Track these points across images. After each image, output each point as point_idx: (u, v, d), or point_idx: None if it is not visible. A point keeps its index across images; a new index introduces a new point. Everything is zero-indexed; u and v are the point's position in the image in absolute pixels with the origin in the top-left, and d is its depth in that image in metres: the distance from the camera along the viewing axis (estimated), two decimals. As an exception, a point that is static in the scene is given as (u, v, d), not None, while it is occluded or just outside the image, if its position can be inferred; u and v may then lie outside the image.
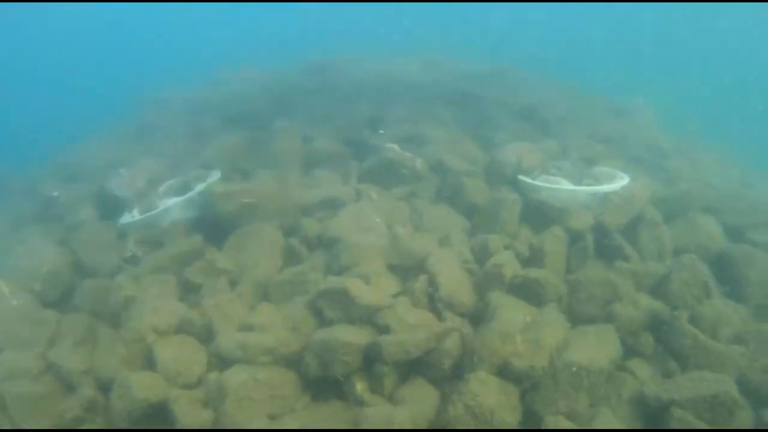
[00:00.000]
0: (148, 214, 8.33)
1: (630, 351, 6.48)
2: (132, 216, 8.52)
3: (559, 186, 8.17)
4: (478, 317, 6.44)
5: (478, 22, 34.40)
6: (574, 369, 5.67)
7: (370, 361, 5.87)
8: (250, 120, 11.75)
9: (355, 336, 5.84)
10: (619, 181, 8.19)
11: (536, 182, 8.26)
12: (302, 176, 9.40)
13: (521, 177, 8.40)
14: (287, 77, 15.65)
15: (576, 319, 6.67)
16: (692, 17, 33.61)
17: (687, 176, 10.22)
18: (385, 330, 5.97)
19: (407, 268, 7.05)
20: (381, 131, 10.38)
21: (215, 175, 8.71)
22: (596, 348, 5.97)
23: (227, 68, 17.77)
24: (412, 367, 6.01)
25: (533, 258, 7.37)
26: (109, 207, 9.07)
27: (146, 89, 16.59)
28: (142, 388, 5.68)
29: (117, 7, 37.83)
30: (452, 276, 6.66)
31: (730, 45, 30.92)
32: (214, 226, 7.96)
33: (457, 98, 12.63)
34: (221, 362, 6.03)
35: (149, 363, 6.18)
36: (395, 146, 8.99)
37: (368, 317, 6.14)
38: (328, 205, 8.21)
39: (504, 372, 5.68)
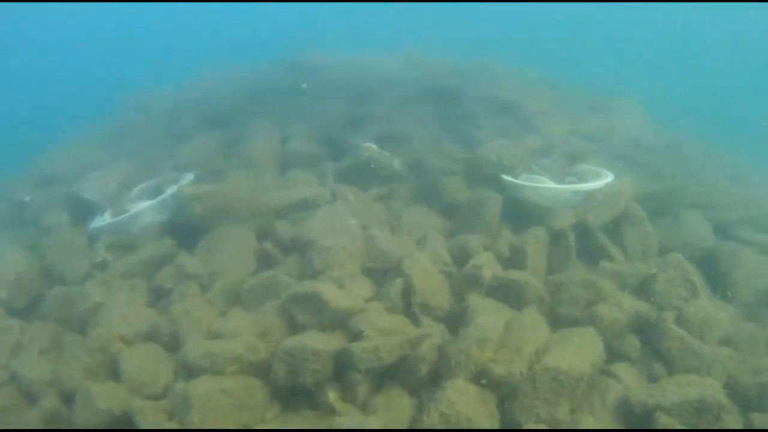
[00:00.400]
0: (119, 218, 8.12)
1: (615, 354, 6.26)
2: (103, 220, 8.32)
3: (541, 184, 7.98)
4: (456, 321, 6.20)
5: (471, 21, 34.31)
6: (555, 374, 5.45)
7: (342, 368, 5.67)
8: (228, 120, 11.61)
9: (325, 343, 5.64)
10: (603, 179, 8.00)
11: (518, 181, 8.06)
12: (278, 177, 9.20)
13: (503, 176, 8.21)
14: (267, 77, 15.52)
15: (558, 321, 6.42)
16: (687, 15, 33.57)
17: (674, 172, 10.04)
18: (358, 336, 5.75)
19: (383, 271, 6.87)
20: (304, 85, 10.24)
21: (188, 177, 8.51)
22: (578, 352, 5.68)
23: (207, 68, 17.61)
24: (388, 374, 5.82)
25: (514, 259, 7.17)
26: (81, 211, 8.88)
27: (126, 90, 16.40)
28: (105, 399, 5.51)
29: (99, 8, 37.58)
30: (429, 279, 6.45)
31: (725, 43, 30.90)
32: (186, 229, 7.77)
33: (438, 95, 12.44)
34: (188, 371, 5.80)
35: (114, 373, 5.98)
36: (372, 145, 8.84)
37: (341, 322, 5.94)
38: (303, 207, 8.03)
39: (481, 378, 5.45)
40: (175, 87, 16.29)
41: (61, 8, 36.92)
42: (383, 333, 5.71)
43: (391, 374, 5.81)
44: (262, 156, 9.67)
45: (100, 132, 13.79)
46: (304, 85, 10.27)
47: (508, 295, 6.46)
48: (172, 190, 8.16)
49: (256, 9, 39.37)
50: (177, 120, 12.52)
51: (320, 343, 5.61)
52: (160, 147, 11.03)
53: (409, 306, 6.27)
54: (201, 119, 12.13)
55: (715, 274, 7.40)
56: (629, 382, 5.92)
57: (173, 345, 6.23)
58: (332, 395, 5.61)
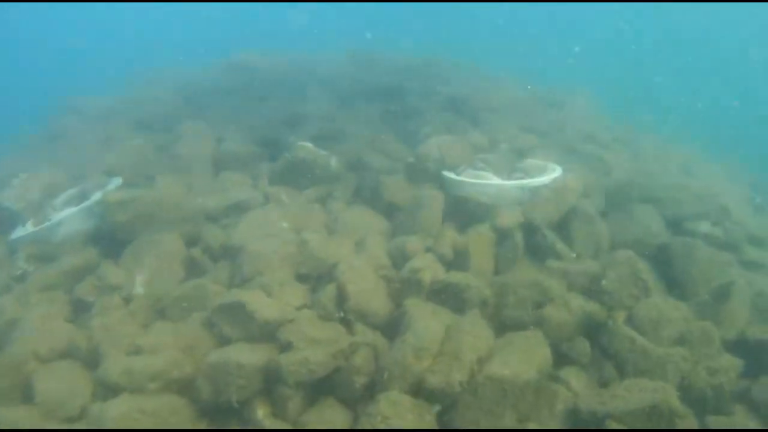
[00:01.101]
0: (41, 226, 7.63)
1: (564, 358, 5.94)
2: (25, 230, 7.83)
3: (485, 181, 7.65)
4: (395, 328, 5.84)
5: (437, 21, 34.37)
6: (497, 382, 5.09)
7: (272, 382, 5.31)
8: (162, 122, 11.23)
9: (251, 356, 5.30)
10: (550, 174, 7.69)
11: (460, 178, 7.72)
12: (211, 180, 8.78)
13: (444, 173, 7.87)
14: (205, 77, 15.22)
15: (504, 325, 6.07)
16: (644, 13, 33.89)
17: (626, 166, 9.83)
18: (287, 347, 5.42)
19: (317, 277, 6.51)
20: None
21: (115, 183, 8.07)
22: (523, 357, 5.37)
23: (145, 70, 17.19)
24: (322, 388, 5.45)
25: (458, 260, 6.84)
26: (3, 221, 8.32)
27: (61, 94, 15.85)
28: (13, 423, 5.15)
29: (36, 8, 36.78)
30: (364, 284, 6.10)
31: (683, 39, 31.24)
32: (112, 237, 7.31)
33: (383, 92, 12.29)
34: (107, 391, 5.40)
35: (29, 394, 5.54)
36: (308, 144, 8.46)
37: (269, 333, 5.60)
38: (236, 210, 7.70)
39: (418, 390, 5.09)
40: (109, 92, 15.81)
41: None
42: (314, 343, 5.38)
43: (326, 387, 5.44)
44: (195, 158, 9.28)
45: (30, 140, 13.23)
46: None
47: (450, 298, 6.10)
48: (97, 196, 7.70)
49: (192, 10, 38.87)
50: (110, 123, 12.07)
51: (246, 356, 5.28)
52: (92, 151, 10.57)
53: (343, 314, 5.92)
54: (134, 122, 11.76)
55: (669, 271, 7.15)
56: (579, 388, 5.62)
57: (93, 362, 5.80)
58: (261, 412, 5.28)
